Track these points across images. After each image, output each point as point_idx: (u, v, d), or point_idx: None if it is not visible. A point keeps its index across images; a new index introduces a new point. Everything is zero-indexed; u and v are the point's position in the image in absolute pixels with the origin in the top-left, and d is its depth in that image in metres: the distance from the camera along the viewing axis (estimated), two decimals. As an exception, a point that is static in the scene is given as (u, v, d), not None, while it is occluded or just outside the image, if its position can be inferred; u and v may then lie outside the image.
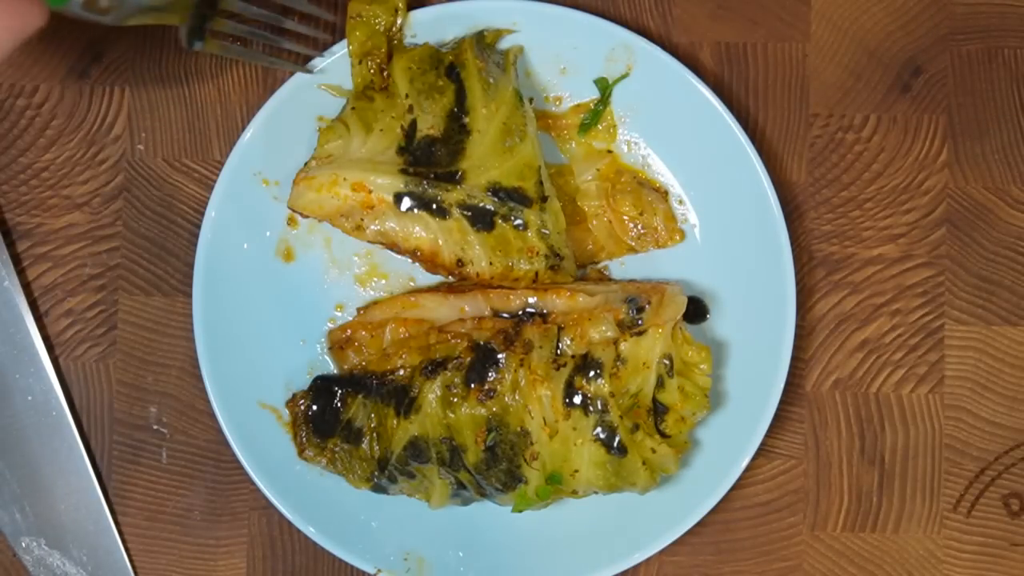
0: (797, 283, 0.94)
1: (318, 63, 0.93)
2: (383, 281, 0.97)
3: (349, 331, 0.95)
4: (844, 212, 0.97)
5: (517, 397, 0.89)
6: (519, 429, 0.89)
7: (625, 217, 0.95)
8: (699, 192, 0.95)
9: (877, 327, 0.97)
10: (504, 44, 0.94)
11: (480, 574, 0.95)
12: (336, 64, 0.93)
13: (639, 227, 0.95)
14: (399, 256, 0.94)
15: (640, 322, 0.90)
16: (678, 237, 0.95)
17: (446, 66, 0.91)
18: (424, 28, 0.94)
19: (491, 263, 0.91)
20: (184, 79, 0.98)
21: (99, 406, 0.98)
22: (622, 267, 0.96)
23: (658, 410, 0.90)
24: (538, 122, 0.94)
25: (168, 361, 0.98)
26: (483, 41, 0.93)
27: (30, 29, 0.75)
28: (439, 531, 0.95)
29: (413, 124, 0.91)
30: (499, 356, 0.89)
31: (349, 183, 0.90)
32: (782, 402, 0.94)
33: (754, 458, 0.93)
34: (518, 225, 0.90)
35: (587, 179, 0.95)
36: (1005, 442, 0.97)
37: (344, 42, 0.93)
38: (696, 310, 0.95)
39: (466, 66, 0.90)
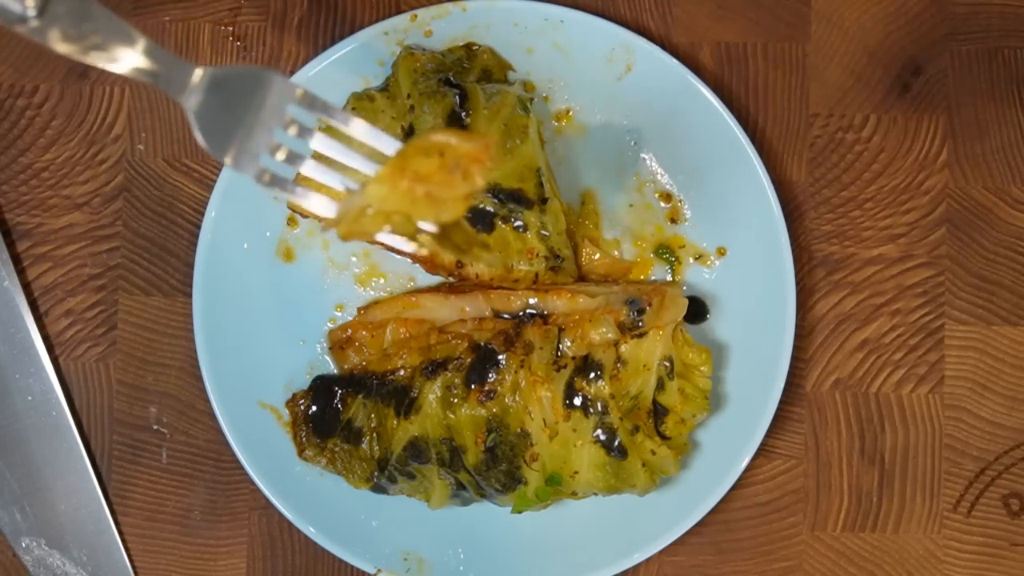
0: (797, 283, 0.94)
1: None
2: (383, 281, 0.97)
3: (349, 331, 0.95)
4: (844, 212, 0.97)
5: (517, 398, 0.89)
6: (519, 430, 0.89)
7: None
8: (699, 192, 0.95)
9: (877, 327, 0.97)
10: (506, 48, 0.95)
11: (480, 574, 0.95)
12: (332, 67, 0.93)
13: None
14: (398, 256, 0.94)
15: (641, 324, 0.90)
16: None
17: (449, 79, 0.91)
18: (426, 26, 0.94)
19: (491, 264, 0.91)
20: (184, 79, 0.98)
21: (99, 406, 0.98)
22: (622, 267, 0.97)
23: (658, 412, 0.90)
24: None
25: (168, 361, 0.98)
26: (489, 78, 0.93)
27: None
28: (439, 531, 0.95)
29: (413, 124, 0.91)
30: (499, 357, 0.89)
31: (349, 183, 0.90)
32: (782, 402, 0.94)
33: (754, 458, 0.93)
34: (518, 227, 0.90)
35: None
36: (1005, 442, 0.97)
37: (338, 46, 0.93)
38: (696, 310, 0.95)
39: (470, 92, 0.91)
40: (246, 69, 0.73)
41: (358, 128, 0.73)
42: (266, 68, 0.73)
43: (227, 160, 0.72)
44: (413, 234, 0.70)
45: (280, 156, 0.72)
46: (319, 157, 0.74)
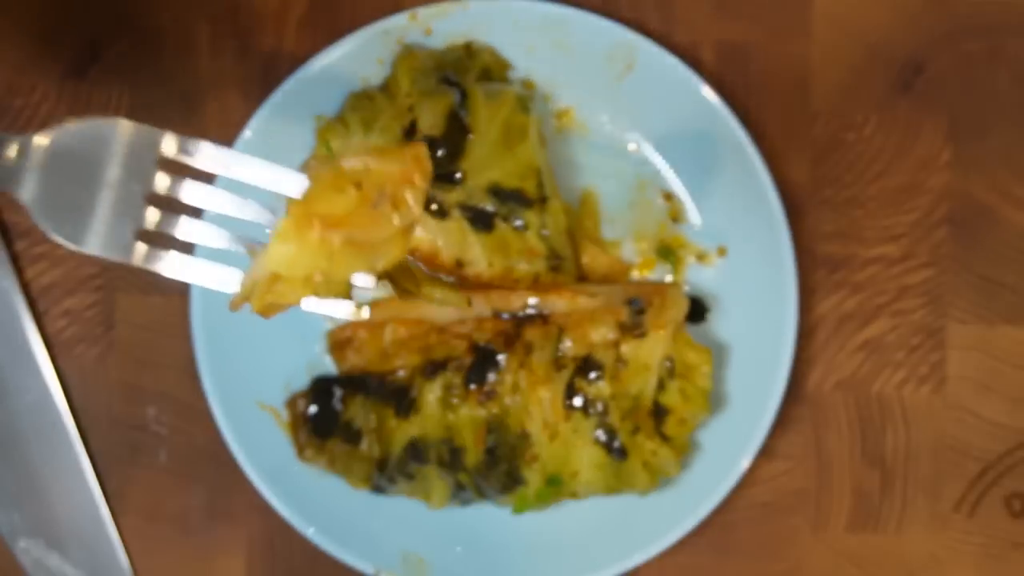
0: (798, 283, 0.94)
1: None
2: (383, 280, 0.96)
3: (349, 331, 0.94)
4: (846, 212, 0.97)
5: (517, 398, 0.89)
6: (519, 431, 0.89)
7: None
8: (700, 192, 0.95)
9: (879, 327, 0.97)
10: (506, 47, 0.95)
11: (480, 574, 0.94)
12: (332, 66, 0.93)
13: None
14: (398, 256, 0.93)
15: (641, 324, 0.90)
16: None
17: (448, 78, 0.91)
18: (426, 25, 0.94)
19: (491, 264, 0.90)
20: (183, 78, 0.98)
21: (97, 406, 0.97)
22: (623, 267, 0.96)
23: (659, 412, 0.90)
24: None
25: (167, 361, 0.97)
26: (489, 77, 0.93)
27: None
28: (439, 531, 0.95)
29: (413, 123, 0.91)
30: (499, 357, 0.89)
31: (348, 183, 0.90)
32: (783, 402, 0.94)
33: (755, 459, 0.93)
34: (518, 226, 0.90)
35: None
36: (1007, 442, 0.97)
37: (337, 45, 0.93)
38: (696, 310, 0.94)
39: (469, 91, 0.91)
40: (86, 126, 0.56)
41: (250, 168, 0.56)
42: (111, 118, 0.57)
43: (93, 249, 0.56)
44: (347, 294, 0.57)
45: (151, 224, 0.56)
46: (204, 215, 0.56)
